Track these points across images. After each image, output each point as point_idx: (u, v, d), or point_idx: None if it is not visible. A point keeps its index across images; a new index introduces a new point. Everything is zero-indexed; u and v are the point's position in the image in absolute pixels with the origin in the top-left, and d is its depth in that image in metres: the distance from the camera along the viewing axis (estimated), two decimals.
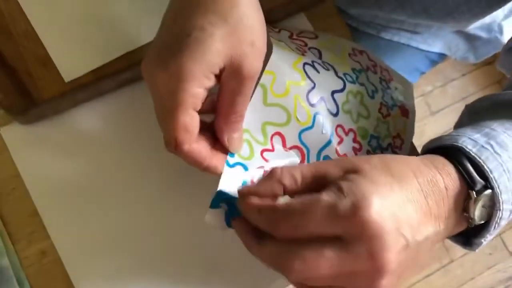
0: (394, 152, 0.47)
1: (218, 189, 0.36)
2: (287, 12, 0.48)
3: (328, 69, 0.44)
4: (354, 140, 0.45)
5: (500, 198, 0.32)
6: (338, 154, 0.43)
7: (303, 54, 0.44)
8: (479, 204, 0.33)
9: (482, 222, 0.34)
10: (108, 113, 0.44)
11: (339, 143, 0.43)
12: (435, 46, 0.74)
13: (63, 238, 0.41)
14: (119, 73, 0.42)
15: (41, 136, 0.42)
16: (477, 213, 0.33)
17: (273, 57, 0.40)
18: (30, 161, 0.42)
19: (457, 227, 0.34)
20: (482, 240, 0.35)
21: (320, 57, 0.45)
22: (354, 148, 0.44)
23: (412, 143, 0.49)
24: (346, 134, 0.44)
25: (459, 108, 1.37)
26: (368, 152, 0.45)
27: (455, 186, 0.33)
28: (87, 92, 0.42)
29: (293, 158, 0.41)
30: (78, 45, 0.41)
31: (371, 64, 0.49)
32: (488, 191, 0.32)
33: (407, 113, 0.49)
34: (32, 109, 0.40)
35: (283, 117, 0.41)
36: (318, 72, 0.43)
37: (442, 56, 0.80)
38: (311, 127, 0.42)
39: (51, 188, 0.42)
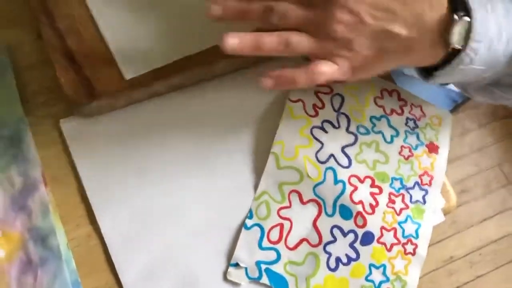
0: (423, 190, 0.50)
1: (235, 253, 0.45)
2: None
3: (338, 126, 0.50)
4: (373, 185, 0.49)
5: (475, 26, 0.37)
6: (353, 201, 0.48)
7: (315, 115, 0.49)
8: (458, 28, 0.38)
9: (457, 47, 0.38)
10: (158, 113, 0.48)
11: (353, 191, 0.48)
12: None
13: (109, 224, 0.44)
14: (172, 77, 0.46)
15: (97, 130, 0.46)
16: (455, 36, 0.38)
17: (280, 128, 0.48)
18: (84, 151, 0.46)
19: (431, 53, 0.40)
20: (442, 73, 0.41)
21: (340, 106, 0.51)
22: (372, 193, 0.49)
23: None
24: (362, 182, 0.49)
25: (476, 159, 1.40)
26: (391, 194, 0.49)
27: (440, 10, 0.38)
28: (142, 91, 0.46)
29: (310, 211, 0.47)
30: (139, 47, 0.45)
31: (399, 104, 0.53)
32: (467, 18, 0.37)
33: (436, 149, 0.52)
34: (93, 102, 0.44)
35: (296, 176, 0.47)
36: (326, 132, 0.49)
37: (463, 96, 0.83)
38: (323, 182, 0.47)
39: (101, 177, 0.45)
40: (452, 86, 0.78)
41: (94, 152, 0.46)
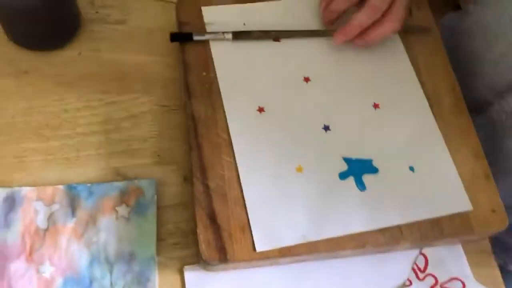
0: None
1: None
2: (447, 242, 0.53)
3: None
4: None
5: None
6: None
7: None
8: None
9: None
10: (276, 280, 0.50)
11: None
12: None
13: None
14: (299, 255, 0.48)
15: (216, 284, 0.49)
16: None
17: None
18: None
19: None
20: None
21: None
22: None
23: None
24: None
25: None
26: None
27: None
28: (267, 262, 0.48)
29: None
30: (275, 223, 0.48)
31: None
32: None
33: None
34: (221, 264, 0.47)
35: None
36: None
37: None
38: None
39: None
40: None
41: None
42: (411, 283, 0.51)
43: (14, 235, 0.48)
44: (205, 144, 0.51)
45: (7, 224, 0.49)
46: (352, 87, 0.56)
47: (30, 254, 0.48)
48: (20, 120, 0.55)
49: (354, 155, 0.53)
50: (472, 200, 0.52)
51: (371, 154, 0.53)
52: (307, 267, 0.51)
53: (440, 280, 0.52)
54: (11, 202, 0.50)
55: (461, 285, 0.52)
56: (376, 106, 0.56)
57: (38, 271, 0.47)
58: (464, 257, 0.54)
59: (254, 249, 0.47)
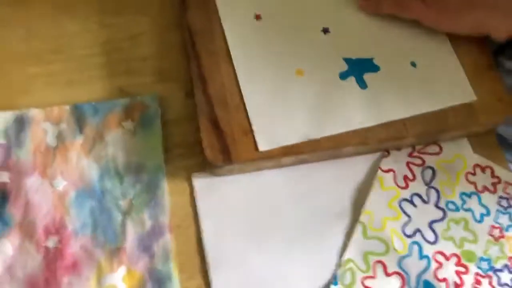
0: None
1: None
2: (453, 136, 0.53)
3: (427, 201, 0.51)
4: (458, 264, 0.49)
5: None
6: (438, 278, 0.48)
7: (405, 187, 0.51)
8: None
9: None
10: (280, 181, 0.51)
11: (438, 268, 0.48)
12: None
13: (220, 283, 0.47)
14: (301, 154, 0.49)
15: (223, 188, 0.50)
16: None
17: (370, 198, 0.50)
18: (209, 206, 0.49)
19: None
20: None
21: (431, 180, 0.51)
22: (457, 272, 0.49)
23: None
24: (447, 259, 0.49)
25: None
26: (477, 275, 0.49)
27: None
28: (270, 162, 0.49)
29: (393, 283, 0.47)
30: (277, 124, 0.49)
31: (492, 182, 0.52)
32: None
33: None
34: (227, 166, 0.48)
35: (382, 247, 0.49)
36: (415, 206, 0.50)
37: None
38: (408, 255, 0.48)
39: (220, 235, 0.48)
40: None
41: (217, 208, 0.50)
42: (389, 153, 0.52)
43: (26, 154, 0.50)
44: (203, 54, 0.51)
45: (18, 144, 0.50)
46: None
47: (43, 170, 0.49)
48: (21, 46, 0.55)
49: (355, 55, 0.52)
50: (476, 90, 0.51)
51: (371, 53, 0.53)
52: (311, 169, 0.52)
53: (418, 147, 0.53)
54: (21, 124, 0.51)
55: (437, 148, 0.53)
56: None
57: (52, 185, 0.49)
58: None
59: (257, 149, 0.48)
